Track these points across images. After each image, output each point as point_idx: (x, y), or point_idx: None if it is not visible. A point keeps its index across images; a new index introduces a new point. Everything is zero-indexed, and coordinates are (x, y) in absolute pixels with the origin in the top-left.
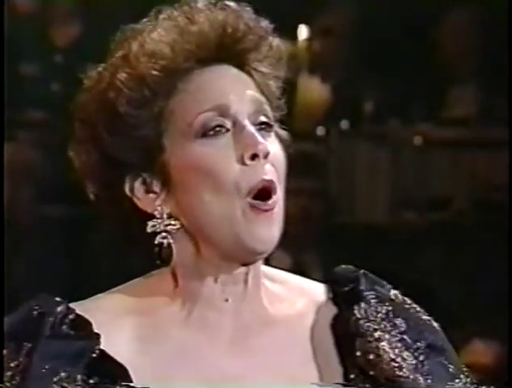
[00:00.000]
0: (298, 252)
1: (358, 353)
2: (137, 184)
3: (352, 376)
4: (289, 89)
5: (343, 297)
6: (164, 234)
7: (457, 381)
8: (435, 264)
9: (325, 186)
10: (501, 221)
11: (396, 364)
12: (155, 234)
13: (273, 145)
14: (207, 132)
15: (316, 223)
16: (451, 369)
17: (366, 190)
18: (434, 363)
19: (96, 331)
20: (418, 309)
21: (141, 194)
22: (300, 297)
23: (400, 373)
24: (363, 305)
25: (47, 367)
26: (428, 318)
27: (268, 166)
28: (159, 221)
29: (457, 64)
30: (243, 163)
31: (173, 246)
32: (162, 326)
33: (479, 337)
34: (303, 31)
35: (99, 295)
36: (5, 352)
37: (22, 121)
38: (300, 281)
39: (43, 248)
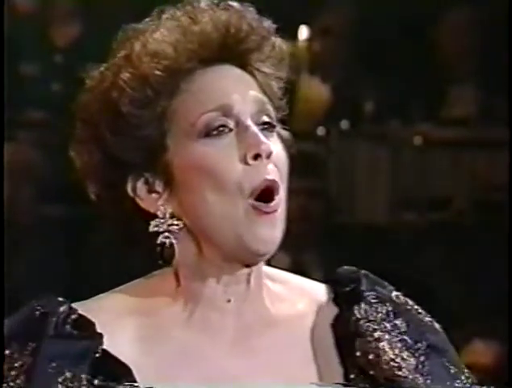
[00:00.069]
0: (298, 252)
1: (357, 353)
2: (140, 184)
3: (352, 376)
4: (289, 89)
5: (344, 297)
6: (166, 233)
7: (458, 381)
8: (435, 264)
9: (325, 186)
10: (501, 221)
11: (396, 364)
12: (157, 233)
13: (275, 145)
14: (211, 132)
15: (316, 223)
16: (451, 370)
17: (366, 190)
18: (435, 364)
19: (99, 331)
20: (420, 310)
21: (144, 194)
22: (301, 298)
23: (400, 373)
24: (363, 305)
25: (52, 366)
26: (430, 319)
27: (271, 166)
28: (162, 220)
29: (456, 64)
30: (246, 163)
31: (175, 246)
32: (164, 327)
33: (479, 337)
34: (303, 32)
35: (101, 295)
36: (8, 351)
37: (22, 121)
38: (300, 281)
39: (43, 248)
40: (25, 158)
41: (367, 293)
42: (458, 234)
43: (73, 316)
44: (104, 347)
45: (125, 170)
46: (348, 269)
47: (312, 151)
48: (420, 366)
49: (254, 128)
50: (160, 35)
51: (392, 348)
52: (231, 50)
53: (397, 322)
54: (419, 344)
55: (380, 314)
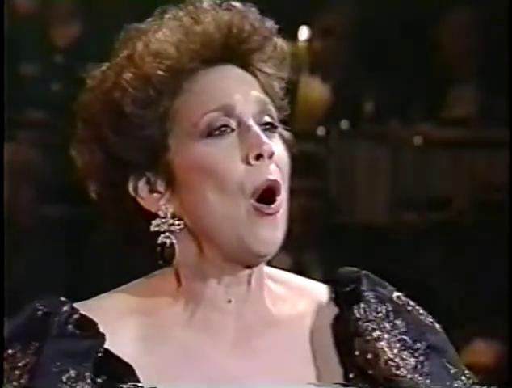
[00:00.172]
0: (298, 252)
1: (356, 353)
2: (141, 184)
3: (351, 375)
4: (290, 89)
5: (344, 297)
6: (167, 233)
7: (458, 382)
8: (435, 264)
9: (325, 186)
10: (501, 221)
11: (394, 364)
12: (158, 233)
13: (277, 146)
14: (213, 132)
15: (316, 223)
16: (451, 371)
17: (366, 190)
18: (435, 364)
19: (101, 330)
20: (421, 311)
21: (145, 193)
22: (301, 298)
23: (398, 373)
24: (362, 305)
25: (56, 365)
26: (431, 320)
27: (273, 167)
28: (163, 220)
29: (457, 64)
30: (248, 163)
31: (176, 246)
32: (165, 327)
33: (479, 337)
34: (303, 32)
35: (102, 295)
36: (11, 351)
37: (22, 121)
38: (301, 281)
39: (43, 248)
40: (25, 158)
41: (367, 293)
42: (458, 234)
43: (75, 316)
44: (106, 346)
45: (127, 169)
46: (349, 269)
47: (313, 151)
48: (419, 366)
49: (256, 129)
50: (162, 35)
51: (390, 348)
52: (233, 50)
53: (397, 322)
54: (419, 344)
55: (380, 314)
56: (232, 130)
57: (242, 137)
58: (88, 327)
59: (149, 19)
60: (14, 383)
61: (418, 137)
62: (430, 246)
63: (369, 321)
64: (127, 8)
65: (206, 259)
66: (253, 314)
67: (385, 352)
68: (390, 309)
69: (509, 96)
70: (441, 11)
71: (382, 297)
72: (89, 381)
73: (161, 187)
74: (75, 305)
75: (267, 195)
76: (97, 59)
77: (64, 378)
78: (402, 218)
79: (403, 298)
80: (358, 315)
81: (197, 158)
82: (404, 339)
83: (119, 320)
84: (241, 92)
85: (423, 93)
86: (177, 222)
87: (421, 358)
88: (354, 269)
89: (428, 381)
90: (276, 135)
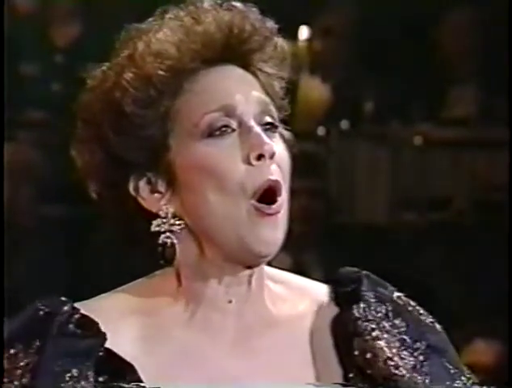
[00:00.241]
0: (298, 252)
1: (356, 352)
2: (142, 184)
3: (351, 375)
4: (290, 89)
5: (345, 297)
6: (168, 233)
7: (457, 382)
8: (435, 264)
9: (325, 186)
10: (501, 221)
11: (393, 363)
12: (158, 233)
13: (278, 146)
14: (213, 132)
15: (316, 223)
16: (452, 371)
17: (366, 190)
18: (435, 364)
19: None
20: (422, 311)
21: (146, 193)
22: (302, 298)
23: (397, 372)
24: (362, 304)
25: (58, 364)
26: (431, 320)
27: (274, 167)
28: (164, 220)
29: (457, 64)
30: (249, 163)
31: (176, 246)
32: (165, 327)
33: (479, 337)
34: (303, 32)
35: (103, 295)
36: (13, 351)
37: (22, 121)
38: (302, 282)
39: (43, 248)
40: (25, 158)
41: (367, 293)
42: (458, 234)
43: (76, 316)
44: (107, 345)
45: (127, 169)
46: (349, 270)
47: (313, 151)
48: (419, 366)
49: (257, 129)
50: (163, 35)
51: (389, 347)
52: (234, 50)
53: (397, 321)
54: (418, 344)
55: (379, 314)
56: (233, 130)
57: (243, 137)
58: (89, 327)
59: (150, 19)
60: (16, 382)
61: (418, 137)
62: (430, 246)
63: (368, 321)
64: (127, 8)
65: (206, 260)
66: (254, 315)
67: (384, 351)
68: (390, 309)
69: (510, 96)
70: (441, 11)
71: (382, 297)
72: (91, 380)
73: (161, 187)
74: (75, 305)
75: (268, 195)
76: (97, 59)
77: (66, 377)
78: (402, 218)
79: (403, 298)
80: (357, 315)
81: (198, 158)
82: (404, 339)
83: (120, 320)
84: (242, 92)
85: (423, 93)
86: (177, 222)
87: (421, 358)
88: (355, 269)
89: (427, 380)
90: (277, 135)
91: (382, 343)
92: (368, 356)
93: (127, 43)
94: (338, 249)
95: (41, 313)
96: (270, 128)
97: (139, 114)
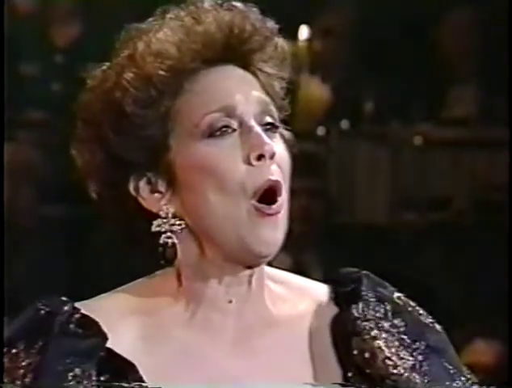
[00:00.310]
0: (298, 252)
1: (354, 352)
2: (142, 184)
3: (350, 374)
4: (290, 89)
5: (344, 297)
6: (168, 233)
7: (457, 382)
8: (435, 264)
9: (325, 186)
10: (501, 221)
11: (391, 363)
12: (159, 233)
13: (278, 146)
14: (214, 132)
15: (316, 223)
16: (451, 371)
17: (366, 190)
18: (434, 364)
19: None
20: (421, 311)
21: (146, 194)
22: (302, 298)
23: (395, 371)
24: (361, 304)
25: (61, 363)
26: (431, 320)
27: (274, 167)
28: (164, 220)
29: (457, 64)
30: (249, 164)
31: (177, 246)
32: (166, 327)
33: (479, 337)
34: (303, 32)
35: (103, 295)
36: (14, 351)
37: (22, 121)
38: (302, 282)
39: (43, 248)
40: (25, 158)
41: (367, 293)
42: (458, 234)
43: (77, 315)
44: (108, 345)
45: (128, 169)
46: (349, 270)
47: (313, 151)
48: (418, 365)
49: (258, 129)
50: (163, 35)
51: (388, 347)
52: (234, 50)
53: (396, 321)
54: (418, 344)
55: (378, 314)
56: (234, 130)
57: (244, 137)
58: (90, 327)
59: (150, 19)
60: (18, 382)
61: (418, 137)
62: (430, 246)
63: (367, 320)
64: (127, 8)
65: (207, 260)
66: (254, 315)
67: (383, 350)
68: (389, 308)
69: (510, 96)
70: (441, 11)
71: (382, 297)
72: (94, 378)
73: (162, 187)
74: (76, 304)
75: (268, 195)
76: (97, 59)
77: (69, 377)
78: (402, 218)
79: (403, 299)
80: (356, 314)
81: (198, 158)
82: (403, 339)
83: (120, 320)
84: (243, 92)
85: (423, 93)
86: (178, 222)
87: (420, 358)
88: (355, 269)
89: (426, 380)
90: (277, 135)
91: (380, 342)
92: (367, 355)
93: (127, 43)
94: (338, 249)
95: (42, 312)
96: (270, 128)
97: (139, 114)
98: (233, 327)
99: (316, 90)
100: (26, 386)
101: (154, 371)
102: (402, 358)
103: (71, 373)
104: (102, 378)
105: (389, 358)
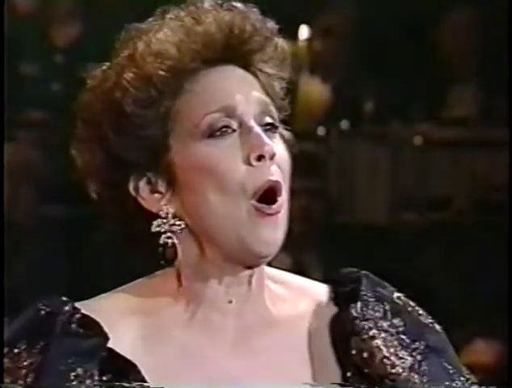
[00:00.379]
0: (298, 252)
1: (353, 352)
2: (142, 184)
3: (349, 374)
4: (290, 89)
5: (344, 297)
6: (168, 233)
7: (457, 382)
8: (435, 264)
9: (325, 186)
10: (501, 221)
11: (390, 362)
12: (159, 233)
13: (278, 146)
14: (214, 132)
15: (316, 223)
16: (451, 371)
17: (366, 190)
18: (433, 363)
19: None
20: (421, 311)
21: (146, 194)
22: (302, 298)
23: (393, 371)
24: (359, 304)
25: (63, 363)
26: (431, 320)
27: (274, 167)
28: (164, 220)
29: (457, 64)
30: (249, 164)
31: (177, 246)
32: (166, 327)
33: (479, 337)
34: (303, 32)
35: (103, 295)
36: (16, 351)
37: (22, 121)
38: (301, 282)
39: (43, 248)
40: (25, 158)
41: (366, 293)
42: (458, 234)
43: (78, 315)
44: (108, 345)
45: (128, 169)
46: (349, 270)
47: (313, 151)
48: (416, 365)
49: (258, 129)
50: (163, 35)
51: (386, 347)
52: (234, 51)
53: (395, 321)
54: (417, 343)
55: (377, 313)
56: (234, 131)
57: (243, 137)
58: (91, 327)
59: (150, 19)
60: (20, 382)
61: (418, 137)
62: (430, 246)
63: (366, 320)
64: (127, 8)
65: (207, 260)
66: (253, 315)
67: (381, 350)
68: (388, 308)
69: (510, 96)
70: (441, 11)
71: (381, 297)
72: (96, 378)
73: (162, 187)
74: (76, 304)
75: (268, 195)
76: (97, 59)
77: (71, 376)
78: (402, 218)
79: (403, 299)
80: (355, 314)
81: (198, 159)
82: (402, 339)
83: (120, 320)
84: (243, 93)
85: (423, 93)
86: (178, 222)
87: (419, 357)
88: (355, 269)
89: (425, 380)
90: (277, 135)
91: (379, 342)
92: (365, 355)
93: (127, 43)
94: (338, 249)
95: (43, 313)
96: (270, 128)
97: (139, 114)
98: (233, 327)
99: (316, 90)
100: (28, 386)
101: (154, 371)
102: (401, 358)
103: (73, 373)
104: (104, 378)
105: (388, 358)
